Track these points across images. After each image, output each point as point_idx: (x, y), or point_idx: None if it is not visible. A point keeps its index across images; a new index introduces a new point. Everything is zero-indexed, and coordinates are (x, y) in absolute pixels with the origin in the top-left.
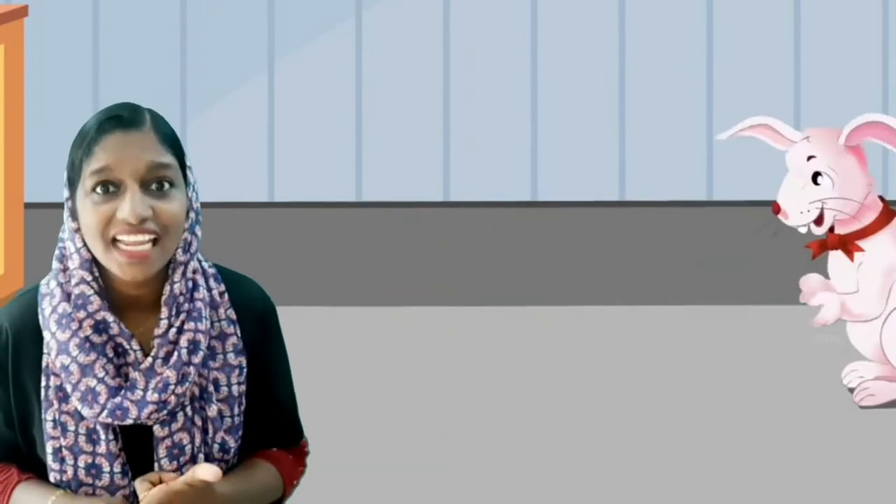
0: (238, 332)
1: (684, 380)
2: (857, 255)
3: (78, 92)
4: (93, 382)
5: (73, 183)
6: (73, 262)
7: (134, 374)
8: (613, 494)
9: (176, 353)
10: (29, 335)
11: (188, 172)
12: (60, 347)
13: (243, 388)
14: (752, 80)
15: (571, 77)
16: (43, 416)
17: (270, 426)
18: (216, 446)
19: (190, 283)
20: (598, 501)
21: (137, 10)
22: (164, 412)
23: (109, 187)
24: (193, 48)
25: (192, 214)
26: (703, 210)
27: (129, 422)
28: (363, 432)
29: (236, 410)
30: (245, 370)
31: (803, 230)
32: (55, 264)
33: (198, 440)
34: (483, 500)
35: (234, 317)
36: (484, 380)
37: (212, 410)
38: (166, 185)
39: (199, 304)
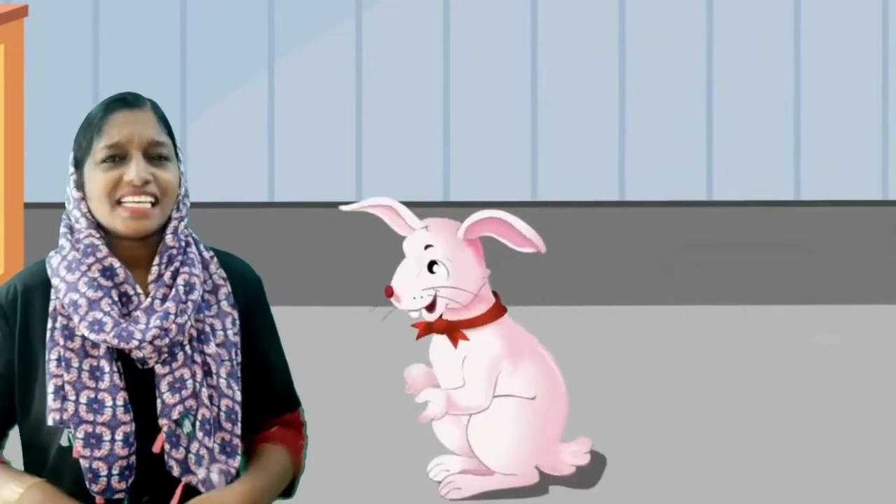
0: (229, 287)
1: (684, 380)
2: (461, 346)
3: (78, 92)
4: (100, 315)
5: (79, 161)
6: (81, 225)
7: (136, 313)
8: (614, 494)
9: (173, 290)
10: (38, 287)
11: (178, 152)
12: (70, 287)
13: (238, 338)
14: (752, 80)
15: (571, 77)
16: (47, 357)
17: (268, 392)
18: (223, 404)
19: (183, 242)
20: (598, 501)
21: (137, 10)
22: (167, 340)
23: (116, 158)
24: (193, 48)
25: (183, 185)
26: (703, 210)
27: (134, 344)
28: (363, 432)
29: (234, 355)
30: (238, 322)
31: (415, 314)
32: (62, 230)
33: (199, 376)
34: (483, 501)
35: (224, 275)
36: None
37: (210, 348)
38: (163, 159)
39: (191, 256)
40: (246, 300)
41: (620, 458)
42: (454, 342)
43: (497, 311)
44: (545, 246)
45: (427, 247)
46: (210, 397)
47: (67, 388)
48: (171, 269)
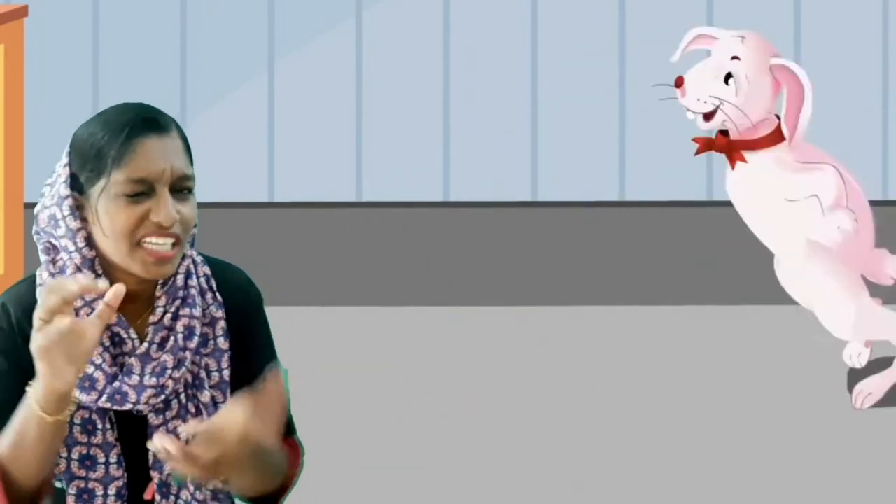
0: (224, 314)
1: (684, 380)
2: (739, 168)
3: (78, 92)
4: (90, 370)
5: (84, 184)
6: (74, 260)
7: (130, 360)
8: (613, 494)
9: (172, 339)
10: (29, 322)
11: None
12: None
13: (230, 369)
14: None
15: (571, 77)
16: None
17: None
18: None
19: (184, 273)
20: (598, 501)
21: (137, 10)
22: (162, 397)
23: (141, 191)
24: (193, 48)
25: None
26: (703, 210)
27: (129, 406)
28: (363, 432)
29: (228, 395)
30: (229, 353)
31: (690, 116)
32: (43, 257)
33: None
34: (483, 501)
35: (220, 299)
36: (484, 380)
37: (204, 396)
38: (187, 192)
39: (192, 291)
40: (241, 323)
41: (620, 458)
42: (732, 163)
43: (776, 136)
44: (812, 84)
45: (734, 57)
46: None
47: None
48: (172, 309)
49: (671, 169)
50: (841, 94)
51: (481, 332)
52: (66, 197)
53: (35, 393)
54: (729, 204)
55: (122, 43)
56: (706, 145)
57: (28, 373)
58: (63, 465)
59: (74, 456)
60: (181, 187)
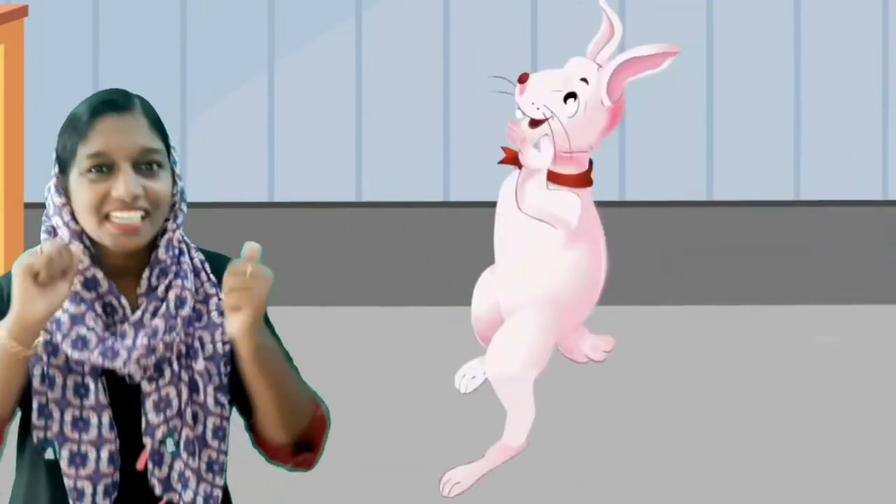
0: (219, 294)
1: (684, 380)
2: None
3: (78, 92)
4: (83, 331)
5: (63, 163)
6: (62, 234)
7: (124, 327)
8: (614, 494)
9: (164, 306)
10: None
11: (172, 153)
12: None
13: (227, 347)
14: (752, 80)
15: None
16: (31, 372)
17: None
18: (210, 423)
19: (176, 251)
20: (597, 501)
21: (137, 10)
22: (153, 358)
23: (103, 168)
24: (193, 48)
25: (177, 190)
26: (703, 210)
27: (119, 363)
28: (363, 432)
29: (222, 369)
30: (224, 327)
31: (518, 114)
32: (43, 236)
33: (184, 395)
34: (483, 501)
35: (214, 281)
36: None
37: (199, 365)
38: (155, 167)
39: (185, 267)
40: None
41: (621, 458)
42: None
43: (584, 179)
44: (675, 48)
45: (583, 80)
46: (195, 415)
47: (52, 406)
48: (165, 282)
49: (671, 169)
50: (841, 94)
51: None
52: (54, 175)
53: (5, 321)
54: (729, 204)
55: (122, 43)
56: (513, 158)
57: None
58: (56, 427)
59: (67, 418)
60: (146, 161)
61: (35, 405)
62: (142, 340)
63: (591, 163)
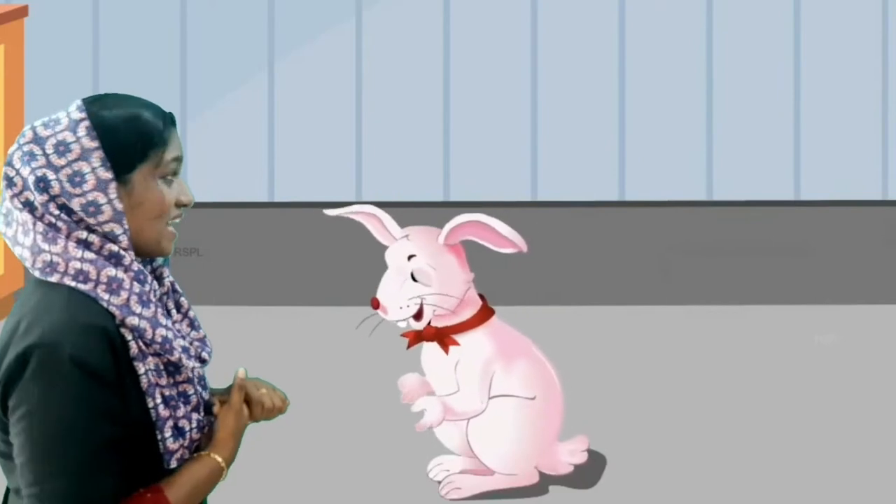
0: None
1: (684, 379)
2: (452, 351)
3: (78, 92)
4: (180, 340)
5: (121, 167)
6: (122, 244)
7: (178, 325)
8: (614, 495)
9: (182, 299)
10: (106, 333)
11: None
12: (153, 323)
13: None
14: (752, 79)
15: (571, 77)
16: (150, 404)
17: None
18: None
19: None
20: (597, 501)
21: (137, 10)
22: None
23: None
24: (193, 48)
25: None
26: (703, 210)
27: (207, 356)
28: (363, 432)
29: None
30: None
31: (403, 325)
32: (88, 257)
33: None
34: (483, 501)
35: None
36: None
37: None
38: None
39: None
40: None
41: (620, 459)
42: (445, 348)
43: (485, 314)
44: (526, 245)
45: (410, 256)
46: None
47: (182, 422)
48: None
49: (671, 169)
50: (841, 94)
51: None
52: (111, 179)
53: (223, 454)
54: (729, 204)
55: (122, 43)
56: (416, 338)
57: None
58: (188, 438)
59: (158, 399)
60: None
61: (168, 432)
62: (200, 333)
63: (482, 296)
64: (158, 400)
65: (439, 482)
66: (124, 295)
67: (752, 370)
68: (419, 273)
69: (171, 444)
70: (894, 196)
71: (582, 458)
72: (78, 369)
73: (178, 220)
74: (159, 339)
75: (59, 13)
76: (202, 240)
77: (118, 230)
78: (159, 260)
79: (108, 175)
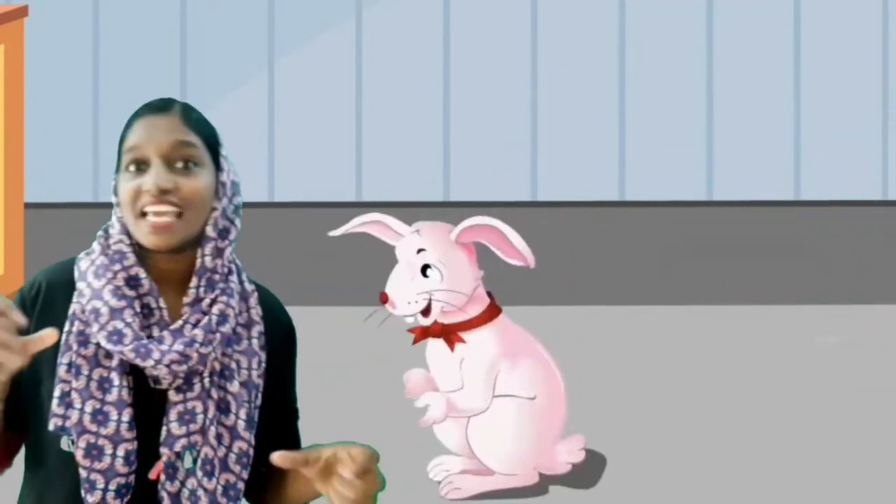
0: (263, 327)
1: (684, 379)
2: (458, 349)
3: (78, 92)
4: (120, 325)
5: (116, 165)
6: (115, 230)
7: (163, 333)
8: (614, 494)
9: (206, 318)
10: (61, 288)
11: (222, 159)
12: (94, 293)
13: (261, 381)
14: (752, 79)
15: (571, 77)
16: (59, 361)
17: (281, 435)
18: (236, 447)
19: (226, 269)
20: (597, 501)
21: (137, 9)
22: (185, 367)
23: (140, 165)
24: (193, 48)
25: (224, 198)
26: (703, 210)
27: (150, 363)
28: (363, 432)
29: (254, 397)
30: (264, 364)
31: (410, 320)
32: (99, 233)
33: (211, 412)
34: (483, 501)
35: (261, 313)
36: None
37: (234, 386)
38: (191, 164)
39: (232, 285)
40: (277, 344)
41: (620, 458)
42: (451, 345)
43: (492, 312)
44: (534, 261)
45: (419, 251)
46: (219, 436)
47: (74, 395)
48: (212, 295)
49: (671, 169)
50: (841, 94)
51: None
52: (113, 176)
53: None
54: (729, 204)
55: (122, 43)
56: (423, 333)
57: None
58: (75, 416)
59: (87, 409)
60: (180, 157)
61: (57, 392)
62: (177, 346)
63: (490, 294)
64: (64, 360)
65: (439, 482)
66: (87, 262)
67: (752, 370)
68: (429, 269)
69: (56, 407)
70: (894, 196)
71: (579, 456)
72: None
73: (156, 210)
74: (89, 308)
75: (59, 13)
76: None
77: (113, 218)
78: (209, 266)
79: (114, 174)
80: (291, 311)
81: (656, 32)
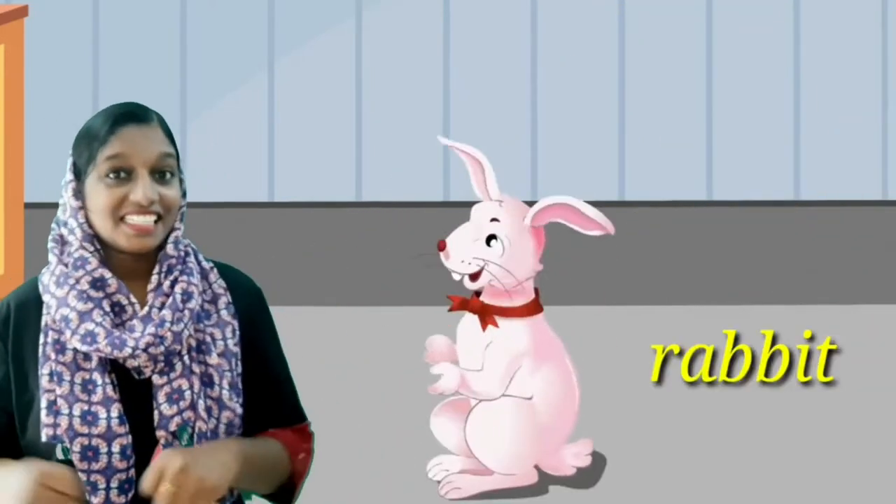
0: (229, 297)
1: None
2: (489, 331)
3: (78, 92)
4: (91, 326)
5: (79, 170)
6: (75, 236)
7: (132, 322)
8: (614, 494)
9: (171, 299)
10: (31, 304)
11: (180, 163)
12: (59, 302)
13: (238, 349)
14: (752, 80)
15: (571, 77)
16: (39, 372)
17: (271, 405)
18: (224, 417)
19: (182, 252)
20: (597, 501)
21: (137, 9)
22: (161, 348)
23: (121, 173)
24: (193, 48)
25: (183, 197)
26: (703, 210)
27: (127, 352)
28: (363, 432)
29: (234, 366)
30: (238, 332)
31: (457, 277)
32: (50, 243)
33: (196, 387)
34: (482, 500)
35: (224, 285)
36: None
37: (213, 359)
38: (168, 175)
39: (190, 265)
40: (247, 310)
41: (620, 458)
42: (483, 325)
43: (533, 308)
44: (613, 227)
45: (493, 220)
46: (209, 409)
47: (60, 402)
48: (171, 278)
49: (671, 169)
50: (840, 94)
51: None
52: (70, 181)
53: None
54: (729, 204)
55: (122, 43)
56: (461, 304)
57: (8, 356)
58: (65, 423)
59: (76, 413)
60: (162, 169)
61: (44, 403)
62: (149, 330)
63: (537, 291)
64: (45, 371)
65: (439, 482)
66: (48, 277)
67: (751, 370)
68: (494, 240)
69: (45, 418)
70: (894, 196)
71: (586, 461)
72: None
73: (141, 219)
74: (58, 317)
75: (59, 13)
76: (202, 240)
77: (73, 223)
78: (171, 254)
79: (69, 177)
80: (291, 310)
81: (656, 33)
